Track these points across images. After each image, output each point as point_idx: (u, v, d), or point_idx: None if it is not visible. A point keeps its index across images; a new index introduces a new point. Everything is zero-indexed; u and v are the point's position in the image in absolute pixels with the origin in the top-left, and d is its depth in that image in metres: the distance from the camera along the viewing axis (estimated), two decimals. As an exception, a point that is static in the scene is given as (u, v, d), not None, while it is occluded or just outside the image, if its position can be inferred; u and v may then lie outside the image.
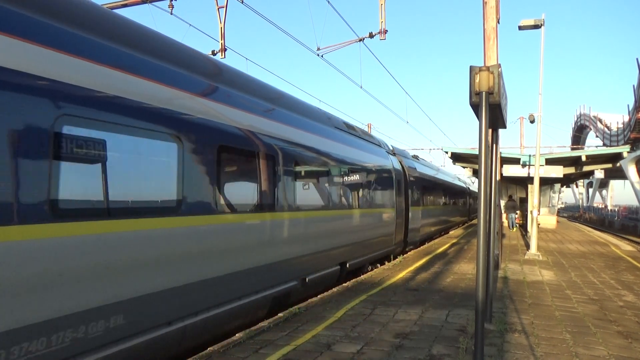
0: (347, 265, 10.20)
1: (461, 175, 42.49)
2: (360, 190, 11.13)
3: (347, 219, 10.13)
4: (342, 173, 9.98)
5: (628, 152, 23.78)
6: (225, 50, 12.05)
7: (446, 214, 24.95)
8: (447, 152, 24.17)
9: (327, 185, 9.25)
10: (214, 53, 12.09)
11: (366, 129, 29.25)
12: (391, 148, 15.78)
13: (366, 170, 11.54)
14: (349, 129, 11.59)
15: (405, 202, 15.36)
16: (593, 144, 61.26)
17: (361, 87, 17.29)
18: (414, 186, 16.54)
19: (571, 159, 22.29)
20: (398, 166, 14.91)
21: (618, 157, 22.03)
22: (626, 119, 37.87)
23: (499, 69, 4.57)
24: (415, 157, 19.66)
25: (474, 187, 43.61)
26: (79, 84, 4.08)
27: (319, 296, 8.25)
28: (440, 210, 22.71)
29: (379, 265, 12.83)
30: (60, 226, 3.81)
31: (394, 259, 13.23)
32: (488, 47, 9.41)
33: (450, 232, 25.35)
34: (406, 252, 15.13)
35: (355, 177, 10.88)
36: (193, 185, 5.25)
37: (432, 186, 20.39)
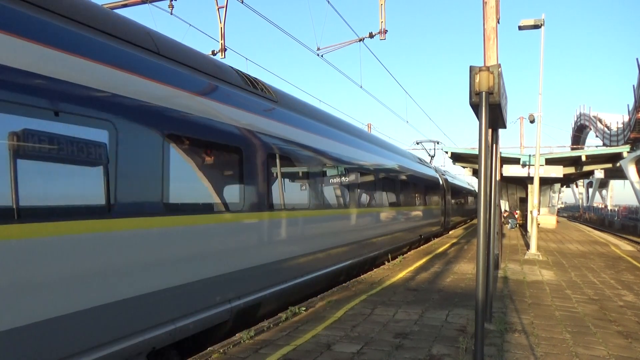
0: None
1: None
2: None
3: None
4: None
5: (628, 152, 23.74)
6: (225, 50, 12.04)
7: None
8: (447, 152, 24.16)
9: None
10: (214, 53, 12.08)
11: (366, 129, 29.60)
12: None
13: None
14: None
15: None
16: (593, 144, 61.21)
17: (361, 87, 17.29)
18: None
19: (571, 159, 22.26)
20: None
21: (618, 157, 22.00)
22: (626, 119, 37.86)
23: (499, 69, 4.57)
24: None
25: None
26: None
27: (318, 296, 8.25)
28: None
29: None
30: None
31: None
32: (488, 47, 9.41)
33: (450, 232, 25.31)
34: None
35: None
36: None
37: None
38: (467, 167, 26.90)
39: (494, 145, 6.57)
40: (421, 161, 20.95)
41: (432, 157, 27.38)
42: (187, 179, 5.77)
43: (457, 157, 24.82)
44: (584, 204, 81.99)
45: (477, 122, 4.57)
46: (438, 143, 27.78)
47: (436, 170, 24.23)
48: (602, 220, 54.10)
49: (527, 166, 20.73)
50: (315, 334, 5.92)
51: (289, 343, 5.52)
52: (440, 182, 23.16)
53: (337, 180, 10.02)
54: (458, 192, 31.46)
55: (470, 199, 40.49)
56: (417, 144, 28.17)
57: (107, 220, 4.51)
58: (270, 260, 7.11)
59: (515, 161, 21.54)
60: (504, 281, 9.94)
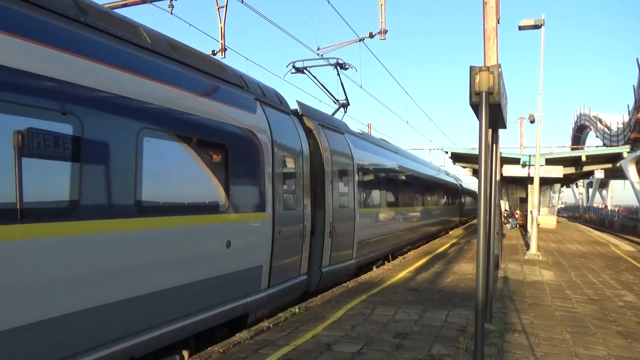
0: None
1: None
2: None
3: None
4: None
5: (628, 152, 23.74)
6: (225, 50, 12.04)
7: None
8: (447, 152, 24.18)
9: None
10: (214, 53, 12.09)
11: (365, 129, 27.93)
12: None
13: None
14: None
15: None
16: (593, 144, 61.19)
17: (361, 87, 17.29)
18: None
19: (571, 159, 22.28)
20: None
21: (618, 157, 22.01)
22: (626, 119, 37.85)
23: (499, 69, 4.58)
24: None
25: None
26: None
27: (319, 296, 8.25)
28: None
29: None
30: None
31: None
32: (488, 47, 9.41)
33: (450, 232, 25.31)
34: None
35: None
36: None
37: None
38: (467, 167, 26.93)
39: (494, 145, 6.58)
40: (210, 70, 6.20)
41: (346, 104, 13.00)
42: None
43: (457, 157, 24.85)
44: (584, 204, 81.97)
45: (477, 122, 4.57)
46: (346, 68, 12.12)
47: (307, 116, 9.32)
48: (602, 221, 54.09)
49: (527, 166, 20.74)
50: (316, 334, 5.91)
51: (289, 343, 5.52)
52: (311, 149, 8.91)
53: None
54: (398, 179, 15.36)
55: (441, 196, 23.81)
56: (296, 71, 12.01)
57: None
58: None
59: (515, 161, 21.56)
60: (504, 281, 9.94)
